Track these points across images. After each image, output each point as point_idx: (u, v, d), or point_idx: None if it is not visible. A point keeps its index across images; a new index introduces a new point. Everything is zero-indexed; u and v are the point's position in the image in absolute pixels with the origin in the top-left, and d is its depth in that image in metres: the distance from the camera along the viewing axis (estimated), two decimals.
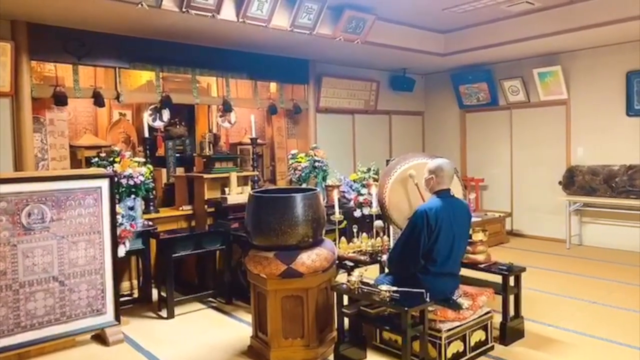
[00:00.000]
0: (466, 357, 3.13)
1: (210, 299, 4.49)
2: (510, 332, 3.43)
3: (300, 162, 5.68)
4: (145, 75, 5.48)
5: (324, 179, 5.76)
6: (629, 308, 4.09)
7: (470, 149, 7.88)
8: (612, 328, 3.67)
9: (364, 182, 5.45)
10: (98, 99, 4.80)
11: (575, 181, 6.39)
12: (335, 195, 3.99)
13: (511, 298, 3.48)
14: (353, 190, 5.43)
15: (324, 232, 3.38)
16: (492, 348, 3.31)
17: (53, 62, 4.65)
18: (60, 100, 4.55)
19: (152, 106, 5.39)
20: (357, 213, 5.16)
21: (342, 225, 4.61)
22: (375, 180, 5.23)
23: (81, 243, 3.51)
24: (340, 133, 7.16)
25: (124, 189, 4.24)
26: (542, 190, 6.90)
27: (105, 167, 4.21)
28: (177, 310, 4.16)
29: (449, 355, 3.01)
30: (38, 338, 3.33)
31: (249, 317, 3.71)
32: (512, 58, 6.85)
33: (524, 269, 3.56)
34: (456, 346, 3.07)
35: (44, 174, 3.87)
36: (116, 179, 4.05)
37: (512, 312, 3.48)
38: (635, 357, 3.20)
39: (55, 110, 4.69)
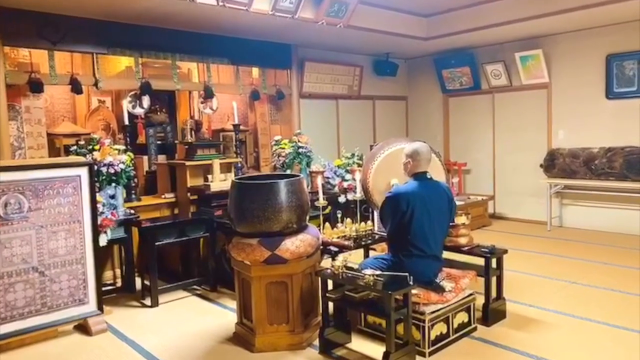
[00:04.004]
0: (449, 339, 3.17)
1: (194, 286, 4.48)
2: (493, 313, 3.48)
3: (284, 148, 5.65)
4: (124, 61, 5.36)
5: (308, 164, 5.74)
6: (607, 287, 4.19)
7: (453, 133, 7.92)
8: (591, 307, 3.75)
9: (348, 168, 5.45)
10: (75, 86, 4.69)
11: (556, 164, 6.48)
12: (320, 181, 3.98)
13: (493, 280, 3.53)
14: (337, 175, 5.43)
15: (307, 218, 3.38)
16: (475, 329, 3.36)
17: (27, 48, 4.52)
18: (35, 87, 4.44)
19: (132, 93, 5.29)
20: (342, 199, 5.18)
21: (327, 211, 4.62)
22: (359, 165, 5.24)
23: (61, 233, 3.45)
24: (324, 119, 7.13)
25: (104, 177, 4.17)
26: (524, 173, 6.99)
27: (84, 155, 4.13)
28: (162, 298, 4.14)
29: (432, 337, 3.05)
30: (19, 329, 3.28)
31: (233, 304, 3.70)
32: (494, 42, 6.87)
33: (505, 251, 3.61)
34: (439, 328, 3.11)
35: (21, 163, 3.78)
36: (96, 167, 3.98)
37: (494, 294, 3.54)
38: (613, 335, 3.28)
39: (31, 97, 4.56)
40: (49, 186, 3.41)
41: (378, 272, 2.90)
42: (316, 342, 3.20)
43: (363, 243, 3.75)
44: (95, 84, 4.83)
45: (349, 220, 3.86)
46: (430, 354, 3.03)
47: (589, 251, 5.38)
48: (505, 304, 3.61)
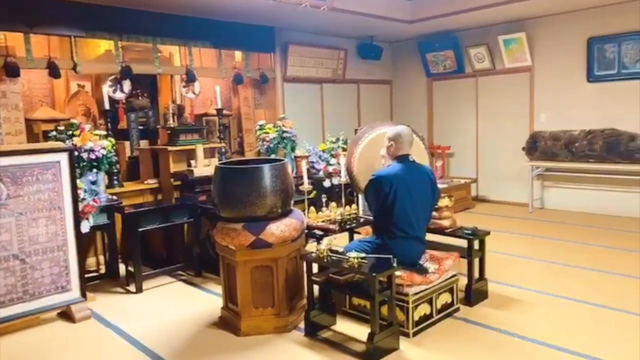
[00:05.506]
0: (433, 319, 3.22)
1: (179, 272, 4.46)
2: (475, 294, 3.54)
3: (268, 133, 5.62)
4: (103, 45, 5.24)
5: (293, 149, 5.72)
6: (586, 267, 4.28)
7: (437, 117, 7.95)
8: (570, 286, 3.83)
9: (333, 152, 5.45)
10: (53, 70, 4.58)
11: (537, 147, 6.55)
12: (304, 165, 3.97)
13: (476, 261, 3.59)
14: (322, 160, 5.43)
15: (292, 202, 3.37)
16: (457, 309, 3.42)
17: (2, 31, 4.38)
18: (11, 71, 4.32)
19: (112, 77, 5.18)
20: (327, 183, 5.18)
21: (312, 196, 4.62)
22: (344, 150, 5.23)
23: (41, 220, 3.40)
24: (309, 103, 7.09)
25: (85, 163, 4.11)
26: (507, 156, 7.06)
27: (63, 141, 4.05)
28: (146, 284, 4.12)
29: (416, 318, 3.10)
30: (0, 318, 3.24)
31: (218, 289, 3.71)
32: (478, 25, 6.87)
33: (488, 233, 3.66)
34: (423, 309, 3.16)
35: None
36: (76, 153, 3.91)
37: (476, 275, 3.59)
38: (591, 312, 3.37)
39: (7, 82, 4.44)
40: (28, 172, 3.34)
41: (362, 255, 2.92)
42: (302, 325, 3.22)
43: (348, 227, 3.77)
44: (74, 68, 4.73)
45: (333, 204, 3.87)
46: (414, 334, 3.07)
47: (569, 232, 5.48)
48: (488, 285, 3.67)
